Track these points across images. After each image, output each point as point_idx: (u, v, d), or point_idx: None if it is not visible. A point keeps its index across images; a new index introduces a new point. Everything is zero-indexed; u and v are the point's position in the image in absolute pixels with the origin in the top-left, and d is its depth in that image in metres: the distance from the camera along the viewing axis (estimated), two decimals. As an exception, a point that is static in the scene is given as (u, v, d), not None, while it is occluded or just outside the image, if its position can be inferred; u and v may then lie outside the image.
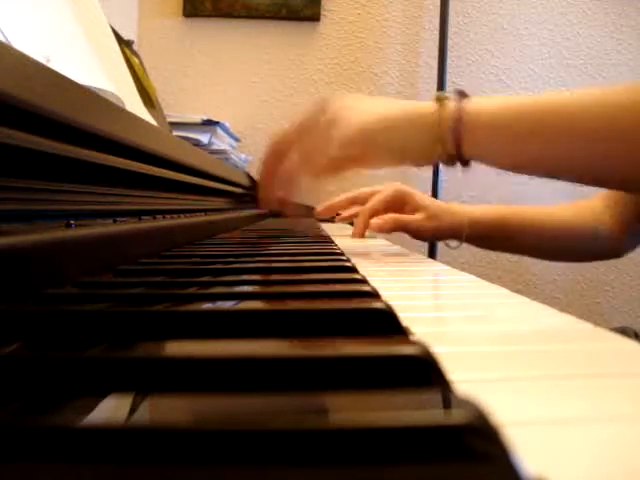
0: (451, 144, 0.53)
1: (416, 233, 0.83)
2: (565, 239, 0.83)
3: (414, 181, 1.76)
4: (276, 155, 0.61)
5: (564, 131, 0.50)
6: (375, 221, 0.83)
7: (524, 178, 0.66)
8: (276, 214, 1.54)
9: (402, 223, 0.82)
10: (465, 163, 0.56)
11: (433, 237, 0.89)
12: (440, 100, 0.53)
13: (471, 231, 0.81)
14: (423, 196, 0.84)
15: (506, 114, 0.52)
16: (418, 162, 0.58)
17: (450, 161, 0.55)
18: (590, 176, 0.54)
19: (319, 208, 0.92)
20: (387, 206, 0.82)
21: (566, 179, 0.55)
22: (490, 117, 0.52)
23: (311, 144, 0.56)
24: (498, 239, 0.84)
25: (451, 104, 0.53)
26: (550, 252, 0.90)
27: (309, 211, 0.99)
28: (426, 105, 0.54)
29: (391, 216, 0.81)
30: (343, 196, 0.91)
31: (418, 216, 0.81)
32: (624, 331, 0.81)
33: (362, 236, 0.83)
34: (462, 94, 0.54)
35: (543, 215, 0.84)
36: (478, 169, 0.59)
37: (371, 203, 0.83)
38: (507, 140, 0.52)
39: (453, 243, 0.85)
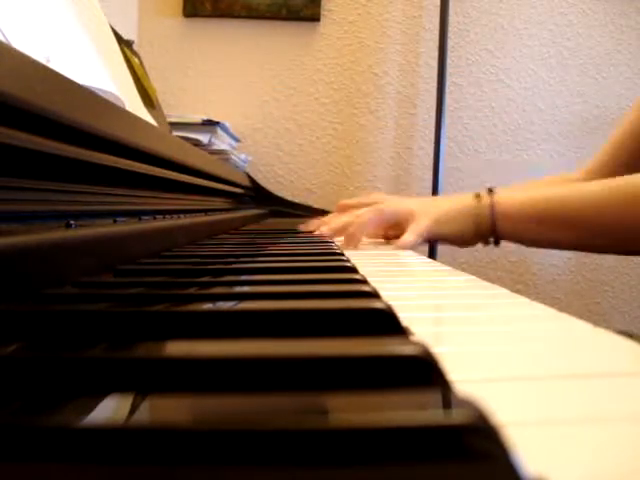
0: (488, 228, 0.75)
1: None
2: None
3: (414, 182, 1.76)
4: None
5: (568, 223, 0.70)
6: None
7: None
8: (276, 214, 1.54)
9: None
10: (497, 242, 0.77)
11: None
12: (477, 197, 0.76)
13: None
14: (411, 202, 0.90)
15: (529, 207, 0.73)
16: (472, 240, 0.78)
17: (487, 241, 0.77)
18: (590, 250, 0.77)
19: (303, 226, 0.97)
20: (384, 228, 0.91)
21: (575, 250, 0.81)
22: (516, 210, 0.73)
23: (412, 228, 0.77)
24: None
25: (485, 200, 0.75)
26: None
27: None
28: (469, 200, 0.76)
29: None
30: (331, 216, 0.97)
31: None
32: (626, 335, 0.82)
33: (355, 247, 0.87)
34: (490, 191, 0.76)
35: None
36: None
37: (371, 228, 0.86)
38: (528, 227, 0.73)
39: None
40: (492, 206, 0.74)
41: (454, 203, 0.79)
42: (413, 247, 0.75)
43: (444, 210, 0.78)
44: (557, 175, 0.97)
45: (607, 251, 0.76)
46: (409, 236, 0.75)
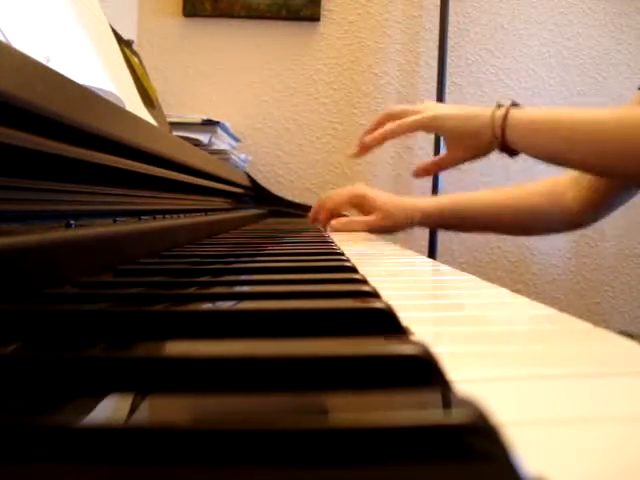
0: (498, 133, 0.76)
1: (373, 231, 0.95)
2: (520, 215, 0.93)
3: (414, 182, 1.76)
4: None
5: (581, 138, 0.72)
6: (332, 222, 0.99)
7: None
8: (276, 214, 1.54)
9: (356, 225, 0.97)
10: (509, 152, 0.78)
11: (389, 232, 1.01)
12: (498, 105, 0.78)
13: (422, 223, 0.97)
14: (378, 196, 0.99)
15: (541, 120, 0.75)
16: (474, 144, 0.81)
17: (497, 146, 0.78)
18: (597, 169, 0.77)
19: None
20: (345, 207, 1.02)
21: (580, 170, 0.83)
22: (528, 119, 0.76)
23: (403, 115, 0.85)
24: (451, 226, 1.01)
25: (503, 108, 0.77)
26: (507, 229, 1.03)
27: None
28: (488, 108, 0.79)
29: (345, 219, 1.00)
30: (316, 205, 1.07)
31: (373, 216, 0.96)
32: (623, 334, 0.83)
33: (324, 226, 1.01)
34: (515, 104, 0.77)
35: (497, 196, 0.96)
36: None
37: (330, 204, 1.02)
38: (538, 138, 0.75)
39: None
40: (506, 113, 0.76)
41: (470, 108, 0.82)
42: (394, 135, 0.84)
43: (456, 108, 0.83)
44: (546, 179, 0.98)
45: (614, 172, 0.77)
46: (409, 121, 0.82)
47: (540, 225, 0.98)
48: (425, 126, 0.85)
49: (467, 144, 0.83)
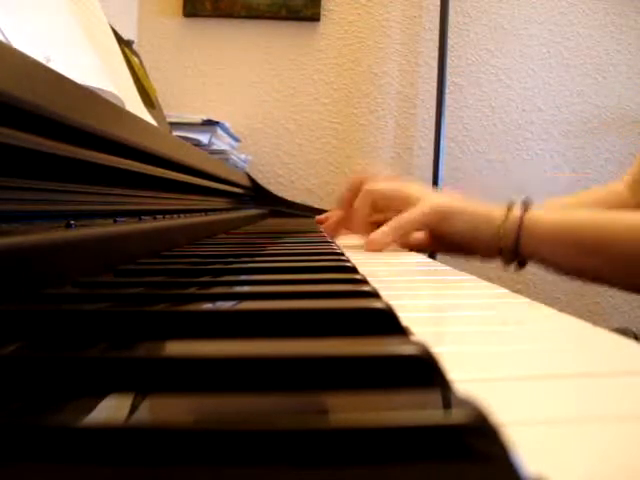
0: (511, 243, 0.63)
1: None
2: None
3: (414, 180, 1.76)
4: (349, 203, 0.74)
5: (601, 250, 0.59)
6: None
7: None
8: (276, 214, 1.54)
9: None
10: (521, 264, 0.65)
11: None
12: (509, 208, 0.64)
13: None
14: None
15: (562, 229, 0.62)
16: (481, 252, 0.67)
17: (509, 258, 0.65)
18: (620, 286, 0.65)
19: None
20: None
21: (598, 284, 0.66)
22: (546, 229, 0.62)
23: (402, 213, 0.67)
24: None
25: (517, 211, 0.63)
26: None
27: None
28: (498, 208, 0.65)
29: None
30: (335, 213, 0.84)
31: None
32: (623, 332, 0.81)
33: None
34: (526, 204, 0.64)
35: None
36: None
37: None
38: (556, 251, 0.62)
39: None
40: (521, 219, 0.62)
41: (476, 204, 0.66)
42: (387, 244, 0.65)
43: (458, 205, 0.66)
44: (603, 186, 0.84)
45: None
46: (383, 229, 0.65)
47: None
48: (428, 225, 0.67)
49: (467, 247, 0.67)
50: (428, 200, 0.66)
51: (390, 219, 0.68)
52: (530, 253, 0.63)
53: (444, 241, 0.69)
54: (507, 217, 0.63)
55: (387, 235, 0.66)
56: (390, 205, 0.70)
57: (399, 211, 0.68)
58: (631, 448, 0.14)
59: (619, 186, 0.81)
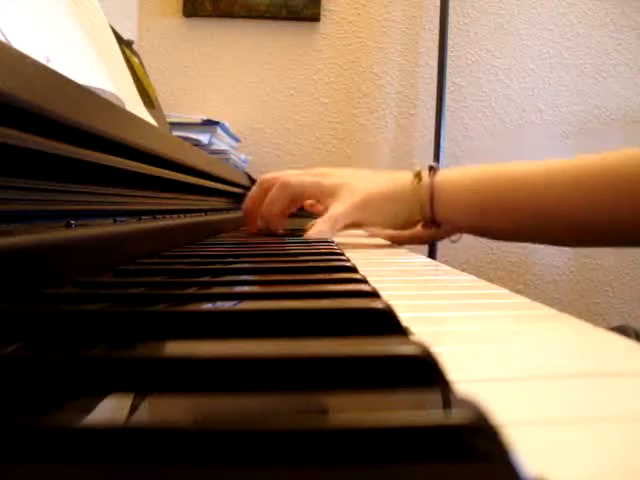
0: (428, 211, 0.66)
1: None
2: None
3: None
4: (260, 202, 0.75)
5: (520, 202, 0.60)
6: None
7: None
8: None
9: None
10: (438, 226, 0.67)
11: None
12: (417, 175, 0.66)
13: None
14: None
15: (466, 183, 0.64)
16: (404, 225, 0.69)
17: (428, 225, 0.67)
18: (536, 239, 0.68)
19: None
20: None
21: (516, 241, 0.70)
22: (451, 186, 0.64)
23: (328, 212, 0.68)
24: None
25: (425, 178, 0.65)
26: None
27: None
28: (407, 179, 0.66)
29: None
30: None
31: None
32: (624, 330, 0.80)
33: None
34: (432, 168, 0.66)
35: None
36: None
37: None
38: (469, 207, 0.63)
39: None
40: (431, 188, 0.63)
41: (389, 183, 0.68)
42: (328, 235, 0.66)
43: (374, 191, 0.67)
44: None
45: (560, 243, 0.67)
46: (321, 225, 0.66)
47: None
48: (355, 224, 0.69)
49: (392, 227, 0.70)
50: (345, 195, 0.67)
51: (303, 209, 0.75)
52: (445, 218, 0.65)
53: (369, 225, 0.72)
54: (419, 189, 0.65)
55: (320, 232, 0.67)
56: (306, 197, 0.74)
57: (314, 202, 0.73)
58: (631, 448, 0.14)
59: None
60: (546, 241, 0.69)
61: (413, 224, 0.69)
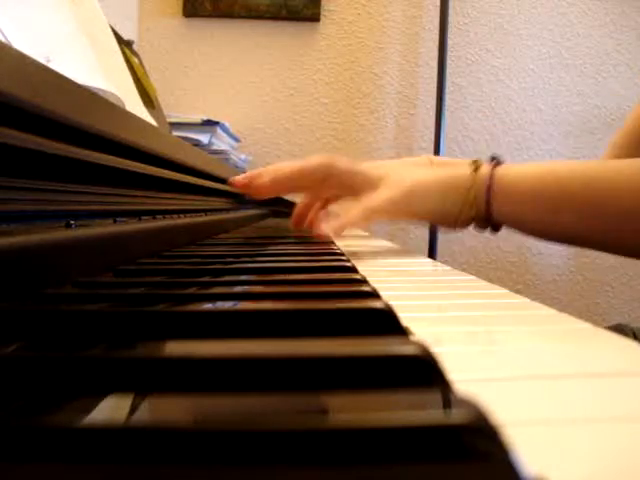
0: (482, 208, 0.55)
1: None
2: None
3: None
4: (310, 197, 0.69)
5: (590, 205, 0.51)
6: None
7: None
8: (276, 214, 1.54)
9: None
10: (495, 227, 0.57)
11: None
12: (475, 165, 0.56)
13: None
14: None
15: (533, 182, 0.53)
16: (454, 223, 0.59)
17: (482, 224, 0.57)
18: (614, 249, 0.58)
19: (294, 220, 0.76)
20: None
21: (588, 247, 0.58)
22: (516, 184, 0.54)
23: (364, 201, 0.60)
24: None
25: (484, 170, 0.55)
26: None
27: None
28: (462, 171, 0.57)
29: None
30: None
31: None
32: (620, 329, 0.80)
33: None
34: (495, 160, 0.56)
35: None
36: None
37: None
38: (533, 208, 0.54)
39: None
40: (490, 179, 0.54)
41: (443, 172, 0.59)
42: (357, 227, 0.59)
43: (422, 179, 0.58)
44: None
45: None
46: (355, 216, 0.58)
47: None
48: (395, 214, 0.59)
49: (438, 222, 0.60)
50: (390, 183, 0.59)
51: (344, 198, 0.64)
52: (505, 215, 0.55)
53: (412, 218, 0.62)
54: (475, 179, 0.55)
55: (352, 224, 0.60)
56: (349, 185, 0.63)
57: (356, 190, 0.61)
58: (631, 448, 0.14)
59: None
60: (621, 251, 0.60)
61: (464, 222, 0.58)
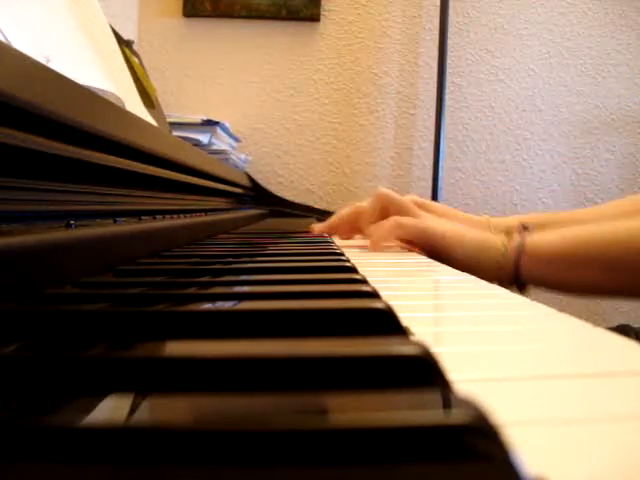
0: (511, 272, 0.62)
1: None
2: None
3: (414, 182, 1.76)
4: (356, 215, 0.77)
5: (605, 261, 0.57)
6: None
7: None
8: (276, 214, 1.54)
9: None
10: (521, 287, 0.63)
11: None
12: (508, 234, 0.65)
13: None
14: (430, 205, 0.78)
15: (559, 244, 0.60)
16: (482, 277, 0.63)
17: (509, 284, 0.63)
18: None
19: (316, 227, 0.83)
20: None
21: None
22: (546, 253, 0.61)
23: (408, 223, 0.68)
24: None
25: (516, 238, 0.63)
26: None
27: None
28: (499, 236, 0.65)
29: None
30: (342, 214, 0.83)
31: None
32: (624, 330, 0.80)
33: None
34: (525, 228, 0.65)
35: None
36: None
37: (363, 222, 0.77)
38: (561, 271, 0.60)
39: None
40: (521, 248, 0.61)
41: (482, 234, 0.67)
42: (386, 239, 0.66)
43: (465, 232, 0.67)
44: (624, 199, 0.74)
45: None
46: (385, 230, 0.66)
47: None
48: (422, 239, 0.67)
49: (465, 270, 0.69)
50: (429, 220, 0.68)
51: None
52: (530, 277, 0.61)
53: (442, 261, 0.67)
54: (507, 246, 0.62)
55: (384, 234, 0.68)
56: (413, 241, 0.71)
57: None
58: (631, 448, 0.14)
59: None
60: None
61: (491, 279, 0.63)
